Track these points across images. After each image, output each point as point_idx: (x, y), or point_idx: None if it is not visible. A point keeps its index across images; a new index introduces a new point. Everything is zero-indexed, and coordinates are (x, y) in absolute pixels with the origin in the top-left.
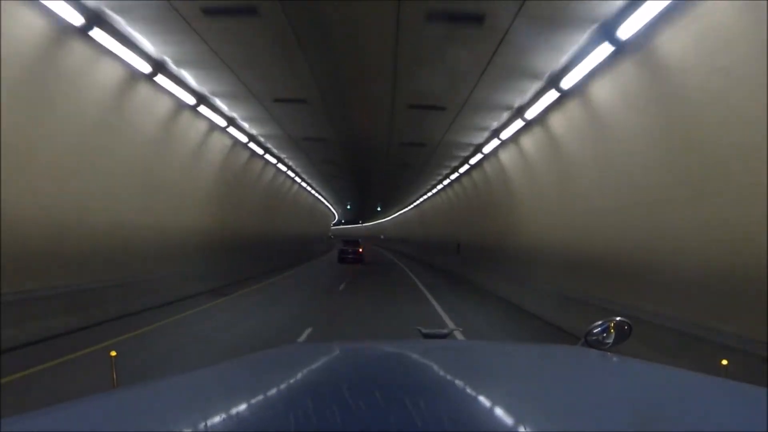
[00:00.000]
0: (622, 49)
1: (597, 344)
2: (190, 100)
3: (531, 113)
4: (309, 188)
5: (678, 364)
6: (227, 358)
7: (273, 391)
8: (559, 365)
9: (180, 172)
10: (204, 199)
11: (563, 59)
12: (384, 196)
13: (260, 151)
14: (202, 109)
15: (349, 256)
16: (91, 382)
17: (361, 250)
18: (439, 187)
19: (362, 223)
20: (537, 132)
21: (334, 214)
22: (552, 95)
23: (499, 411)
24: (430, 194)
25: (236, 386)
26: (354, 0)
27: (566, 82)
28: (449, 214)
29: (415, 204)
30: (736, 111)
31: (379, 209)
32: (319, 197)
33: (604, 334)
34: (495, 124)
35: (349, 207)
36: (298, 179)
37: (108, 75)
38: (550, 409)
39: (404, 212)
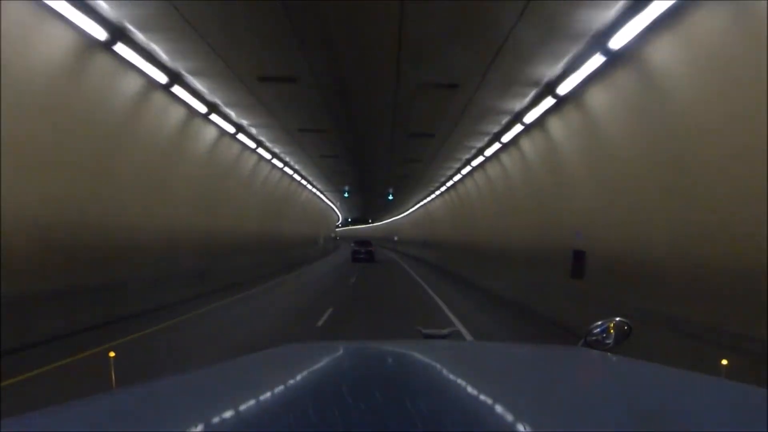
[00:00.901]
0: None
1: (597, 344)
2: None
3: None
4: (289, 170)
5: None
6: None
7: (272, 391)
8: (559, 365)
9: None
10: None
11: None
12: (396, 183)
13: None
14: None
15: (362, 255)
16: None
17: (372, 249)
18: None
19: (371, 223)
20: None
21: (336, 212)
22: None
23: (499, 411)
24: (481, 159)
25: (236, 386)
26: None
27: None
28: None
29: (447, 185)
30: None
31: (390, 197)
32: (313, 188)
33: (604, 335)
34: None
35: (347, 194)
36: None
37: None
38: (550, 409)
39: (427, 203)
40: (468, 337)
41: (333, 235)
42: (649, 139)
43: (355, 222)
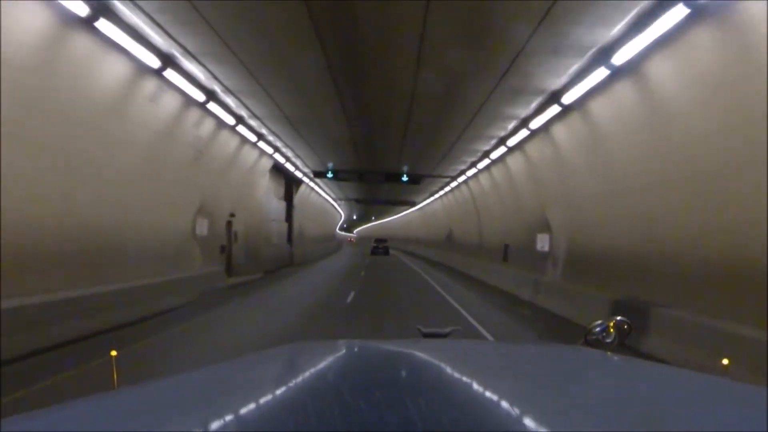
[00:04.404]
0: None
1: (597, 344)
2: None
3: None
4: None
5: None
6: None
7: (272, 391)
8: (558, 364)
9: None
10: None
11: None
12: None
13: None
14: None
15: (380, 250)
16: None
17: (387, 245)
18: None
19: (406, 204)
20: None
21: (338, 210)
22: None
23: (499, 411)
24: None
25: (236, 386)
26: None
27: None
28: None
29: None
30: None
31: None
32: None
33: (604, 334)
34: None
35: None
36: None
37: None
38: (550, 409)
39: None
40: None
41: (349, 235)
42: None
43: (371, 201)
